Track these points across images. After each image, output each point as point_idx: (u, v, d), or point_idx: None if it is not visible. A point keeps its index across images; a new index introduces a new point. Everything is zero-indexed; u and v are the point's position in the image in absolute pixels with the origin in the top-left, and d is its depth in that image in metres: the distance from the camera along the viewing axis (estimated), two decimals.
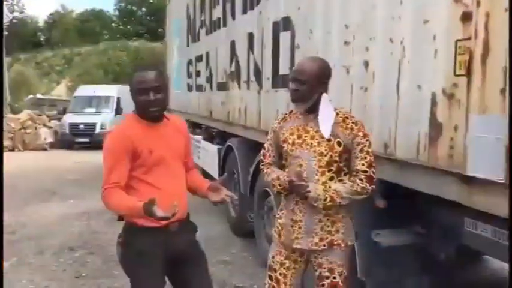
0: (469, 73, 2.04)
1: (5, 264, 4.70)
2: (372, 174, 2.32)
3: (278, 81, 4.25)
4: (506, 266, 4.53)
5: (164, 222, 2.21)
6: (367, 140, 2.34)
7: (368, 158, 2.32)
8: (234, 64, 5.69)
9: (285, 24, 4.08)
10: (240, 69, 5.44)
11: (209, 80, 7.04)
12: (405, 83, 2.50)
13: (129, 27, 41.49)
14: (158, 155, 2.27)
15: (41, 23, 44.76)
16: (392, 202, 2.86)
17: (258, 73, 4.84)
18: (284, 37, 4.09)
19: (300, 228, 2.34)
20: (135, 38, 36.20)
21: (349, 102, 3.04)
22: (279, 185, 2.35)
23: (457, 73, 2.12)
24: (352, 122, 2.34)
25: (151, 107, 2.26)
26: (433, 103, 2.29)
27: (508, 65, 1.81)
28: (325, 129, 2.30)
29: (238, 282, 4.29)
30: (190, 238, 2.46)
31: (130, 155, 2.23)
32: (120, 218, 2.39)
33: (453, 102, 2.16)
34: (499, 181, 1.87)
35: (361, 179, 2.30)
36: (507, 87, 1.83)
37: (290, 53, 3.94)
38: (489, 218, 2.19)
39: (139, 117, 2.33)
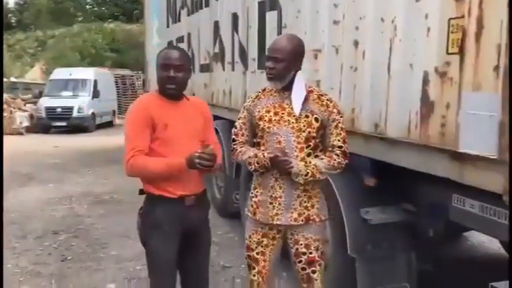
0: (461, 51, 2.07)
1: None
2: (346, 149, 2.38)
3: (264, 61, 4.21)
4: (486, 240, 4.70)
5: (179, 193, 2.34)
6: (341, 117, 2.40)
7: (342, 134, 2.38)
8: (217, 45, 5.64)
9: (272, 3, 4.05)
10: (224, 50, 5.40)
11: (191, 61, 6.96)
12: (396, 62, 2.52)
13: (103, 8, 40.52)
14: (173, 130, 2.34)
15: (11, 4, 43.40)
16: (382, 180, 2.91)
17: (243, 54, 4.81)
18: (271, 17, 4.07)
19: (279, 204, 2.35)
20: (110, 20, 35.42)
21: (339, 82, 3.06)
22: (257, 162, 2.34)
23: (450, 51, 2.14)
24: (327, 99, 2.39)
25: (169, 83, 2.35)
26: (425, 82, 2.31)
27: (504, 42, 1.84)
28: (296, 106, 2.32)
29: (225, 262, 4.32)
30: (204, 214, 2.56)
31: (149, 125, 2.32)
32: (141, 192, 2.46)
33: (445, 80, 2.19)
34: (492, 157, 1.91)
35: (337, 154, 2.35)
36: (501, 65, 1.86)
37: (277, 33, 3.91)
38: (476, 194, 2.25)
39: (159, 95, 2.42)
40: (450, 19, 2.13)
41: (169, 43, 8.34)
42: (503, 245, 4.30)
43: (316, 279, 2.40)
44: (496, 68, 1.90)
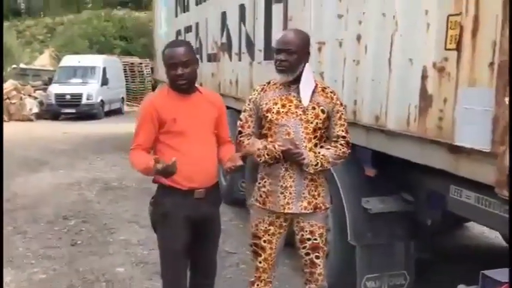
0: (459, 47, 2.14)
1: None
2: (349, 139, 2.47)
3: (271, 53, 4.29)
4: (486, 231, 4.75)
5: (188, 185, 2.41)
6: (343, 108, 2.50)
7: (345, 124, 2.47)
8: (225, 35, 5.71)
9: None
10: (231, 40, 5.47)
11: (199, 51, 7.03)
12: (397, 57, 2.59)
13: None
14: (182, 124, 2.41)
15: None
16: (382, 171, 2.99)
17: (250, 45, 4.88)
18: (277, 9, 4.14)
19: (290, 193, 2.42)
20: (119, 7, 35.43)
21: (342, 75, 3.13)
22: (267, 154, 2.39)
23: (448, 47, 2.22)
24: (330, 92, 2.46)
25: (179, 80, 2.41)
26: (424, 76, 2.39)
27: (498, 38, 1.90)
28: (305, 97, 2.39)
29: (230, 248, 4.43)
30: (214, 208, 2.61)
31: (156, 122, 2.42)
32: (155, 181, 2.54)
33: (443, 75, 2.26)
34: (485, 150, 1.99)
35: (341, 144, 2.43)
36: (496, 61, 1.93)
37: (283, 25, 3.99)
38: (472, 185, 2.33)
39: (170, 89, 2.50)
40: (449, 16, 2.20)
41: (178, 32, 8.42)
42: (503, 235, 4.39)
43: (319, 265, 2.49)
44: (491, 64, 1.97)
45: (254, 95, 2.53)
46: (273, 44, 2.51)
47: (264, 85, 2.54)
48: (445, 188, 2.64)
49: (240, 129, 2.55)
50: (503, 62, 1.88)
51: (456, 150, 2.19)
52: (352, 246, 3.02)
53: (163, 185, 2.47)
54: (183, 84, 2.42)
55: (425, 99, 2.38)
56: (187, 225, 2.48)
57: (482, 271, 2.02)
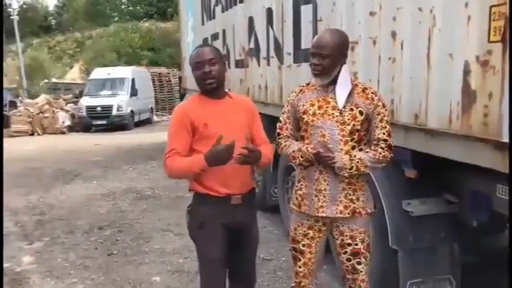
0: (504, 39, 2.03)
1: (39, 244, 4.87)
2: (391, 143, 2.36)
3: (300, 55, 4.24)
4: None
5: (225, 191, 2.36)
6: (386, 110, 2.38)
7: (388, 127, 2.36)
8: (252, 40, 5.67)
9: None
10: (259, 45, 5.43)
11: (226, 57, 7.02)
12: (436, 52, 2.49)
13: (138, 8, 41.29)
14: (213, 128, 2.33)
15: (51, 7, 44.90)
16: (423, 172, 2.88)
17: (278, 48, 4.83)
18: (306, 10, 4.07)
19: (324, 197, 2.36)
20: (145, 19, 36.11)
21: (377, 74, 3.04)
22: (301, 156, 2.36)
23: (491, 39, 2.10)
24: (372, 93, 2.37)
25: (206, 79, 2.37)
26: (466, 71, 2.28)
27: None
28: (341, 99, 2.32)
29: (265, 255, 4.37)
30: (252, 213, 2.56)
31: (189, 128, 2.36)
32: (191, 189, 2.50)
33: (487, 69, 2.15)
34: None
35: (382, 148, 2.33)
36: None
37: (312, 27, 3.92)
38: None
39: (200, 95, 2.47)
40: (492, 6, 2.09)
41: (205, 40, 8.44)
42: None
43: (361, 271, 2.41)
44: None
45: (292, 96, 2.49)
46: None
47: (303, 86, 2.50)
48: (490, 187, 2.52)
49: (278, 131, 2.52)
50: None
51: (504, 147, 2.08)
52: (394, 251, 2.92)
53: (199, 193, 2.43)
54: (212, 83, 2.36)
55: (468, 95, 2.27)
56: (225, 234, 2.43)
57: None
